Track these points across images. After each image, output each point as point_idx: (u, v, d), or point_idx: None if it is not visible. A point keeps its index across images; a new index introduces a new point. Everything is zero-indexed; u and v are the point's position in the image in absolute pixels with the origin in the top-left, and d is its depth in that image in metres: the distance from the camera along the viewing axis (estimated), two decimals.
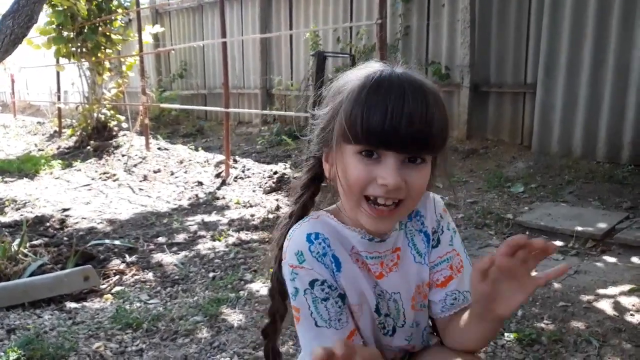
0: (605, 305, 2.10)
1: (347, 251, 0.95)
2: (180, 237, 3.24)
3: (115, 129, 7.05)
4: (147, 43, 7.31)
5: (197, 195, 4.35)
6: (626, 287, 2.26)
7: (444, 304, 0.99)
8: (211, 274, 2.61)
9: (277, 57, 7.77)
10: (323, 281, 0.92)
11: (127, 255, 2.90)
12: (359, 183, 0.84)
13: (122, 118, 7.12)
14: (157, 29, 7.68)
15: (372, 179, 0.83)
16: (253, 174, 4.75)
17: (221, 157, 5.21)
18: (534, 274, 0.76)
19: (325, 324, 0.91)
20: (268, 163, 5.27)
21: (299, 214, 0.99)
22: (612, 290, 2.25)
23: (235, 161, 5.16)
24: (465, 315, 0.93)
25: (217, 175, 4.91)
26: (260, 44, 7.79)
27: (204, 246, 3.05)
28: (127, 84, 7.46)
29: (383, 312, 0.98)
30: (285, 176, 4.45)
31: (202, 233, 3.30)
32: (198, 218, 3.67)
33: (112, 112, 7.07)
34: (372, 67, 0.88)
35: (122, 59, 7.32)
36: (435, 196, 1.02)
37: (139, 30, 6.38)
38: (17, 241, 2.83)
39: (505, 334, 1.87)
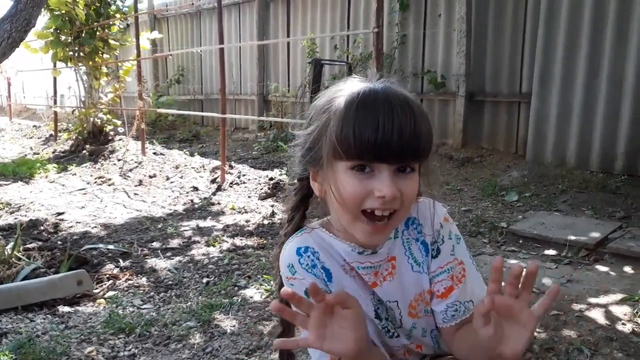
0: (597, 314, 2.11)
1: (339, 263, 0.98)
2: (175, 243, 3.23)
3: (112, 133, 7.05)
4: (145, 49, 7.32)
5: (192, 201, 4.35)
6: (618, 297, 2.28)
7: (444, 315, 1.00)
8: (205, 280, 2.61)
9: (274, 63, 7.81)
10: None
11: (121, 260, 2.89)
12: (356, 198, 0.85)
13: (119, 123, 7.12)
14: (155, 34, 7.70)
15: (368, 192, 0.84)
16: (249, 179, 4.76)
17: (217, 163, 5.22)
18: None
19: None
20: (264, 169, 5.28)
21: (293, 233, 1.02)
22: (604, 299, 2.27)
23: (231, 167, 5.16)
24: (473, 341, 0.91)
25: (213, 181, 4.91)
26: (258, 51, 7.83)
27: (198, 252, 3.04)
28: (124, 89, 7.47)
29: (384, 317, 1.00)
30: (281, 182, 4.46)
31: (197, 238, 3.29)
32: (193, 223, 3.66)
33: (108, 116, 7.07)
34: (355, 83, 0.89)
35: (120, 64, 7.34)
36: (436, 205, 1.02)
37: (137, 36, 6.40)
38: (10, 245, 2.82)
39: None
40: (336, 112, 0.86)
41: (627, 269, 2.65)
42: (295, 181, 1.03)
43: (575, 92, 4.42)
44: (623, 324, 2.03)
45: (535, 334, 1.95)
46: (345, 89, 0.89)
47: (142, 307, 2.33)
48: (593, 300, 2.26)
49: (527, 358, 1.79)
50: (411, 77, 5.82)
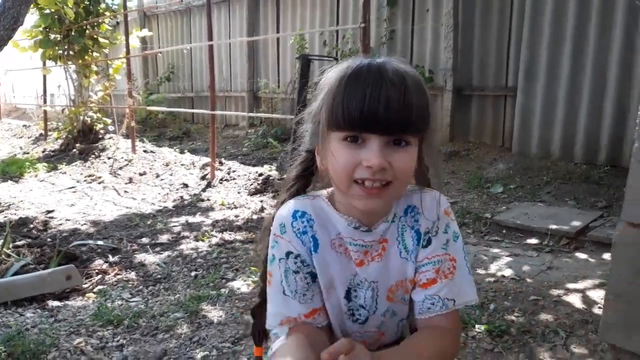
0: (575, 299, 2.17)
1: (330, 236, 0.99)
2: (164, 238, 3.27)
3: (102, 131, 7.05)
4: (135, 47, 7.31)
5: (182, 197, 4.38)
6: (595, 282, 2.34)
7: (421, 306, 1.00)
8: (193, 273, 2.65)
9: (264, 60, 7.83)
10: (297, 255, 0.98)
11: (110, 256, 2.92)
12: (347, 167, 0.88)
13: (109, 121, 7.12)
14: (145, 32, 7.69)
15: (358, 162, 0.87)
16: (238, 175, 4.79)
17: (207, 160, 5.25)
18: None
19: (291, 295, 0.97)
20: (254, 165, 5.31)
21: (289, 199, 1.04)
22: (581, 284, 2.33)
23: (221, 163, 5.19)
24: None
25: (203, 178, 4.94)
26: (248, 47, 7.84)
27: (187, 246, 3.08)
28: (114, 87, 7.46)
29: (355, 301, 1.02)
30: (271, 178, 4.50)
31: (186, 234, 3.33)
32: (182, 219, 3.70)
33: (98, 115, 7.07)
34: (356, 59, 0.93)
35: (109, 62, 7.33)
36: (441, 197, 1.02)
37: (126, 33, 6.40)
38: (0, 242, 2.84)
39: (476, 326, 1.93)
40: (332, 84, 0.91)
41: (606, 256, 2.71)
42: (303, 152, 1.05)
43: (559, 85, 4.48)
44: (599, 307, 2.09)
45: (514, 318, 2.01)
46: (345, 64, 0.92)
47: (131, 300, 2.36)
48: (571, 285, 2.32)
49: (505, 341, 1.85)
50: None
